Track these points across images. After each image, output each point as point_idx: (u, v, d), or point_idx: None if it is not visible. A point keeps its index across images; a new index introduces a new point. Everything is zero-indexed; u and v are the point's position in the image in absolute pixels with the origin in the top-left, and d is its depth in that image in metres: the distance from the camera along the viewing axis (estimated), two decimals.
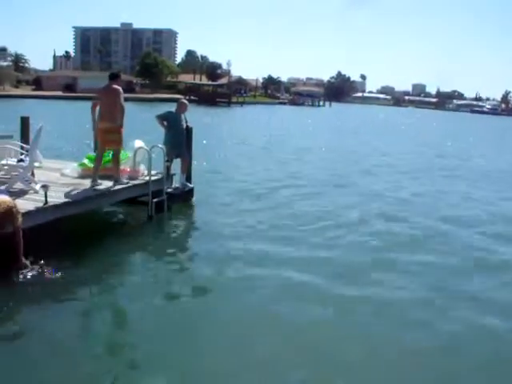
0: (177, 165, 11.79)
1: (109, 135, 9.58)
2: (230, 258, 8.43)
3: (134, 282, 7.52)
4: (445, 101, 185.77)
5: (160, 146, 10.81)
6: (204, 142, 19.98)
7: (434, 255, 9.03)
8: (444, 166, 22.29)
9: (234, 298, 7.00)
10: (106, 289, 7.16)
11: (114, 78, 9.85)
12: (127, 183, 10.01)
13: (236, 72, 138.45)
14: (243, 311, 6.58)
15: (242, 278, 7.66)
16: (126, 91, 10.20)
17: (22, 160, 9.25)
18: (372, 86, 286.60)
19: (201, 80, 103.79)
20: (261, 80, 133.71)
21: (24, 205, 7.63)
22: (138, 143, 10.46)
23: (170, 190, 10.99)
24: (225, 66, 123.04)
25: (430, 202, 13.97)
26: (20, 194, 8.39)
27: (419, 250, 9.31)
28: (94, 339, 5.77)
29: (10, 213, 6.85)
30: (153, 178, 10.31)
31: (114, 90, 9.55)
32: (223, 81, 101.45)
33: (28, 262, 7.03)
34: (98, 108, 9.66)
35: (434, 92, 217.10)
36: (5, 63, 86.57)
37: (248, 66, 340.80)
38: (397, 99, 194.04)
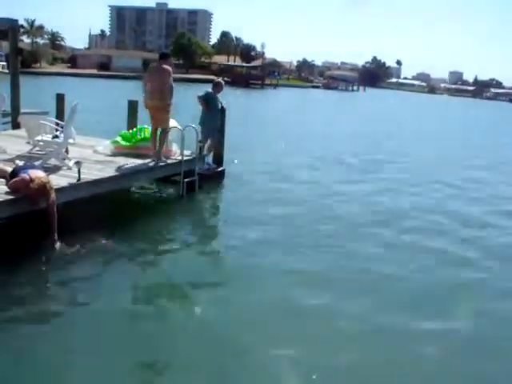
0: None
1: (157, 113, 9.76)
2: (256, 240, 8.42)
3: (166, 259, 7.59)
4: (482, 89, 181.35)
5: (193, 125, 10.78)
6: (238, 123, 19.87)
7: None
8: None
9: (261, 282, 6.92)
10: (137, 266, 7.21)
11: (164, 57, 10.03)
12: (165, 162, 10.04)
13: (270, 54, 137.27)
14: (268, 296, 6.52)
15: (270, 262, 7.61)
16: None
17: (56, 136, 9.32)
18: (407, 73, 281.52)
19: (234, 61, 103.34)
20: (295, 63, 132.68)
21: (57, 181, 7.69)
22: (172, 123, 10.43)
23: (201, 170, 10.98)
24: (259, 48, 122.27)
25: None
26: (54, 170, 8.46)
27: None
28: (124, 316, 5.77)
29: (44, 189, 6.91)
30: (185, 158, 10.31)
31: (164, 70, 9.70)
32: (257, 63, 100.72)
33: (57, 241, 7.09)
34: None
35: (471, 80, 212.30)
36: (42, 41, 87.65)
37: (282, 49, 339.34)
38: (432, 86, 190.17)
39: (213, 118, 11.41)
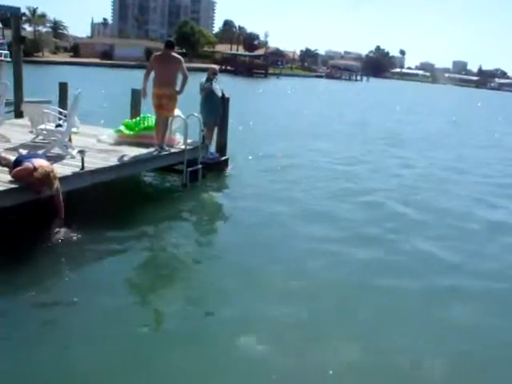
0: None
1: (163, 101, 9.65)
2: (260, 224, 8.56)
3: (169, 247, 7.66)
4: (486, 79, 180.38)
5: (196, 114, 10.75)
6: (240, 112, 19.82)
7: None
8: None
9: (265, 270, 6.92)
10: (141, 254, 7.24)
11: (171, 46, 9.88)
12: (168, 151, 10.03)
13: (273, 43, 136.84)
14: (277, 273, 6.63)
15: (273, 245, 7.74)
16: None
17: (60, 125, 9.29)
18: (411, 62, 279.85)
19: (237, 50, 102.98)
20: (298, 52, 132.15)
21: (61, 169, 7.67)
22: (175, 111, 10.39)
23: (204, 159, 10.97)
24: (262, 37, 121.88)
25: None
26: (57, 158, 8.43)
27: None
28: (128, 298, 5.81)
29: (47, 178, 6.91)
30: (188, 147, 10.29)
31: (175, 58, 9.63)
32: (260, 52, 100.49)
33: (64, 228, 7.12)
34: (151, 75, 9.69)
35: (475, 70, 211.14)
36: (44, 29, 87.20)
37: (285, 38, 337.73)
38: (436, 76, 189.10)
39: (211, 108, 11.39)
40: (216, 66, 12.22)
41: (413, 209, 10.27)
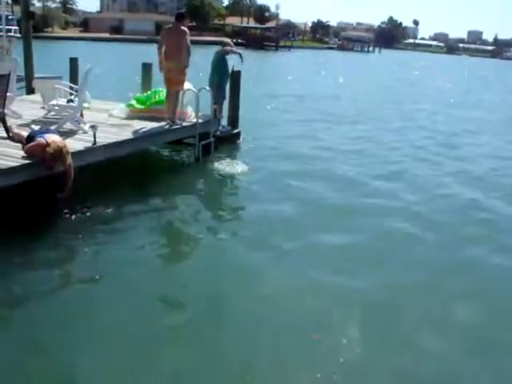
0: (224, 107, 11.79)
1: (171, 74, 9.65)
2: (273, 201, 8.52)
3: (182, 221, 7.64)
4: (502, 49, 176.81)
5: (207, 88, 10.68)
6: (251, 85, 19.69)
7: None
8: None
9: (276, 241, 6.94)
10: (153, 228, 7.26)
11: (180, 18, 9.78)
12: (180, 125, 9.99)
13: (284, 15, 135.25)
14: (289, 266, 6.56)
15: (285, 220, 7.72)
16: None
17: (71, 100, 9.28)
18: (425, 33, 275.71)
19: (248, 23, 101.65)
20: (309, 24, 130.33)
21: (73, 145, 7.69)
22: (186, 85, 10.32)
23: (216, 132, 10.93)
24: (273, 9, 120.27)
25: None
26: (69, 134, 8.45)
27: None
28: (143, 274, 5.82)
29: (60, 153, 6.92)
30: (200, 121, 10.24)
31: (181, 31, 9.56)
32: (271, 24, 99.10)
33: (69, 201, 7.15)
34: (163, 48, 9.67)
35: (490, 39, 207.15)
36: (53, 5, 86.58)
37: (297, 10, 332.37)
38: (450, 47, 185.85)
39: (220, 79, 11.31)
40: (230, 41, 12.07)
41: None
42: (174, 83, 9.75)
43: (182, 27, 9.63)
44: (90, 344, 4.53)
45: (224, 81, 11.52)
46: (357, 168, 10.81)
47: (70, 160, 7.07)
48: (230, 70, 11.65)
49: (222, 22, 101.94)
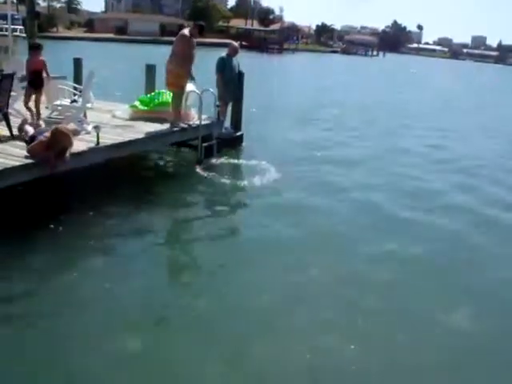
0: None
1: (169, 77, 9.75)
2: (276, 204, 8.49)
3: (184, 222, 7.69)
4: (506, 54, 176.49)
5: (211, 90, 10.69)
6: (255, 86, 19.66)
7: None
8: None
9: (288, 242, 6.96)
10: (155, 230, 7.24)
11: (182, 26, 9.85)
12: (182, 127, 10.01)
13: (288, 18, 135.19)
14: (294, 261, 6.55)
15: (294, 220, 7.74)
16: (176, 35, 10.13)
17: (75, 101, 9.31)
18: (429, 37, 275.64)
19: (252, 25, 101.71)
20: (313, 27, 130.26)
21: (76, 145, 7.69)
22: (189, 87, 10.34)
23: (219, 134, 10.93)
24: (277, 12, 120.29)
25: None
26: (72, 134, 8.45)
27: None
28: (136, 279, 5.82)
29: (62, 134, 7.04)
30: (203, 123, 10.25)
31: (181, 36, 9.74)
32: (275, 27, 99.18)
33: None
34: None
35: (495, 45, 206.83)
36: (58, 5, 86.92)
37: (301, 13, 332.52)
38: (454, 52, 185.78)
39: (227, 83, 11.29)
40: (237, 45, 12.03)
41: None
42: (169, 85, 9.96)
43: (183, 32, 9.81)
44: (89, 344, 4.54)
45: (229, 83, 11.47)
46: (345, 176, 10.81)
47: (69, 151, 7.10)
48: (236, 72, 11.59)
49: (226, 24, 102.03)
